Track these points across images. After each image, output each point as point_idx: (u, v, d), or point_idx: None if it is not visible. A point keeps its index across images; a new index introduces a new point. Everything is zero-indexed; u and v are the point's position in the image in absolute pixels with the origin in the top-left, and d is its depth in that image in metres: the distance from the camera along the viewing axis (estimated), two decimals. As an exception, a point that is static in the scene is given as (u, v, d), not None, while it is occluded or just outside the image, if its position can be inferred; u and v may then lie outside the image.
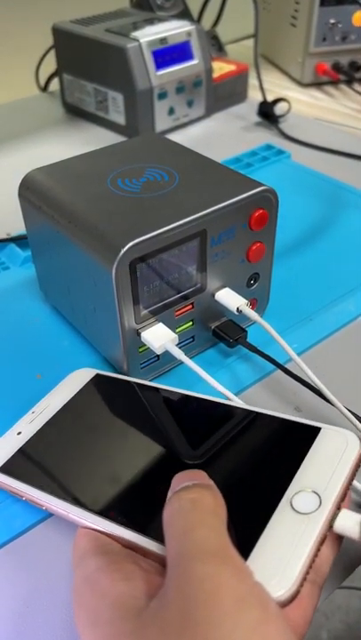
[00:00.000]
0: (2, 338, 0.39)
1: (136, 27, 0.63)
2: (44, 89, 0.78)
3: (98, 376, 0.33)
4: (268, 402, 0.34)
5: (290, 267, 0.45)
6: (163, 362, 0.35)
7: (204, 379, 0.32)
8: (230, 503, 0.23)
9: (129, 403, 0.31)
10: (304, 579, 0.21)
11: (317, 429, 0.26)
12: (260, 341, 0.37)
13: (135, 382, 0.32)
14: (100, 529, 0.25)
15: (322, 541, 0.22)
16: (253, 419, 0.28)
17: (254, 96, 0.74)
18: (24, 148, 0.64)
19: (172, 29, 0.62)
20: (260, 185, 0.33)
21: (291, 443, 0.26)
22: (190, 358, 0.33)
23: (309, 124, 0.68)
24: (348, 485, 0.24)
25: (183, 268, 0.32)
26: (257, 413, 0.28)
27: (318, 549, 0.22)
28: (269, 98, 0.68)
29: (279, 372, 0.36)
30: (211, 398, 0.30)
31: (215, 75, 0.69)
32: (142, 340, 0.32)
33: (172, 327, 0.34)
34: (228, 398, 0.31)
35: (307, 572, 0.21)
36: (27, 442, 0.30)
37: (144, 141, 0.39)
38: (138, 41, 0.59)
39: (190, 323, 0.35)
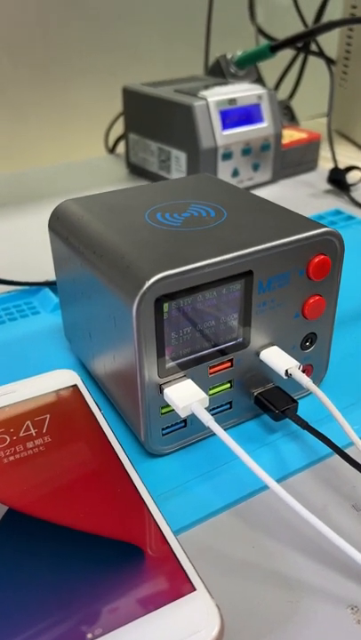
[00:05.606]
0: (14, 386, 0.34)
1: (206, 87, 0.61)
2: (112, 150, 0.78)
3: (75, 388, 0.30)
4: (319, 494, 0.27)
5: (355, 336, 0.38)
6: (190, 430, 0.29)
7: (238, 456, 0.25)
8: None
9: (78, 435, 0.28)
10: None
11: (192, 588, 0.20)
12: (313, 418, 0.30)
13: (96, 417, 0.28)
14: None
15: None
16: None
17: (324, 166, 0.71)
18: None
19: (242, 91, 0.60)
20: (323, 226, 0.28)
21: (157, 584, 0.20)
22: (226, 430, 0.26)
23: (384, 194, 0.63)
24: None
25: (222, 315, 0.27)
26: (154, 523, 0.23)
27: None
28: (341, 167, 0.65)
29: (336, 457, 0.28)
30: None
31: (285, 141, 0.66)
32: (165, 397, 0.26)
33: (205, 387, 0.28)
34: (267, 485, 0.24)
35: None
36: None
37: (194, 179, 0.35)
38: (205, 99, 0.58)
39: (228, 385, 0.29)
